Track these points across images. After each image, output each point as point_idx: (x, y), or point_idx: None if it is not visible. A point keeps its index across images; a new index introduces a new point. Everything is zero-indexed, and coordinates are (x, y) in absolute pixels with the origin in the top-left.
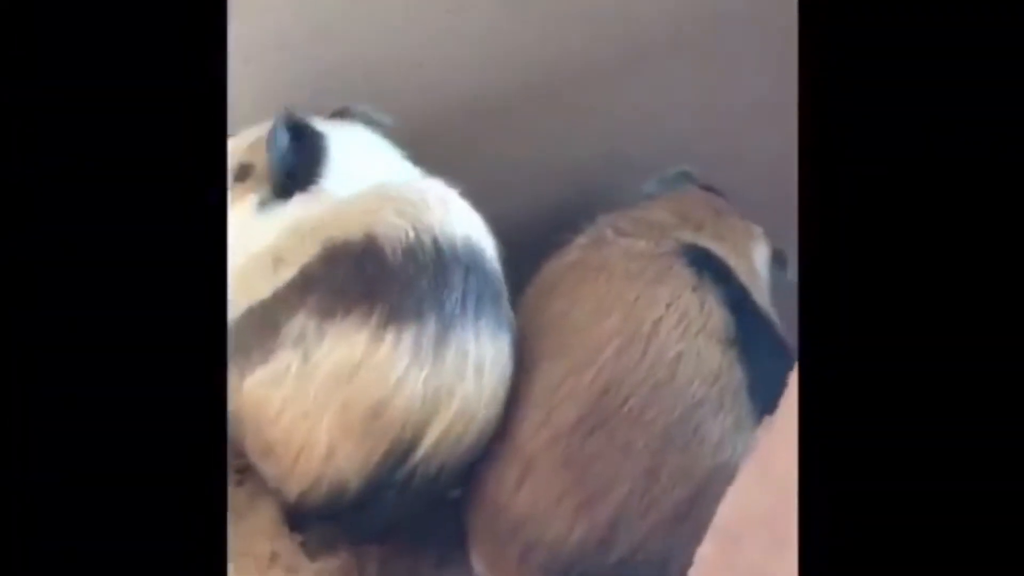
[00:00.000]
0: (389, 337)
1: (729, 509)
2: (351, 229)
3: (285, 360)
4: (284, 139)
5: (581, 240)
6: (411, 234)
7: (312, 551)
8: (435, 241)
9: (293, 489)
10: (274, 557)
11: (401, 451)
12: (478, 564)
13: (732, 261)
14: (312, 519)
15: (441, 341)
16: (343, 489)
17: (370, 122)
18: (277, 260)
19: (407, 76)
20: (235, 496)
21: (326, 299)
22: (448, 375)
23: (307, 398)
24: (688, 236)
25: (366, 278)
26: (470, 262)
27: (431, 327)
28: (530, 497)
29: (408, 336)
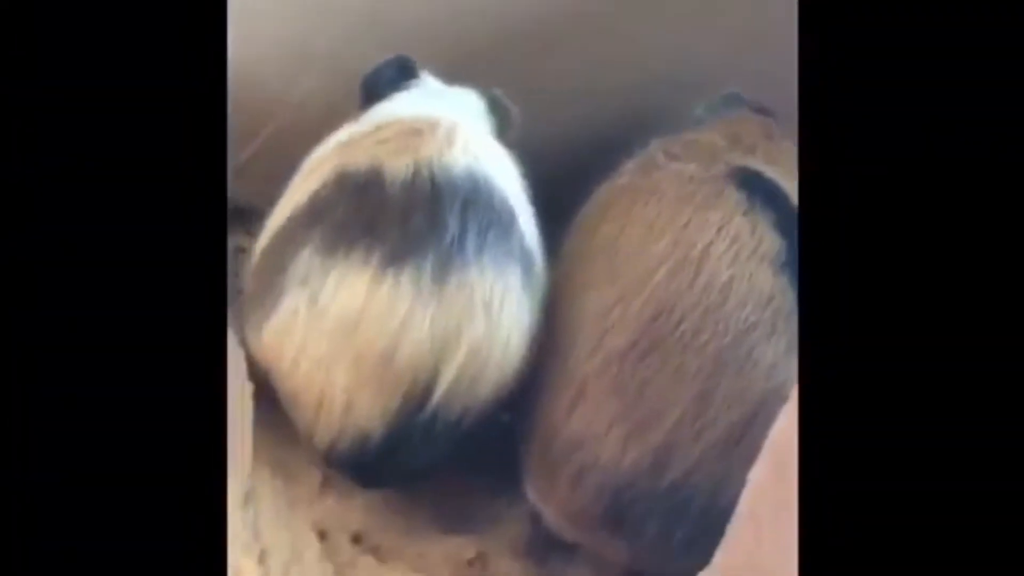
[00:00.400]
0: (389, 279)
1: (782, 431)
2: (360, 158)
3: (293, 303)
4: (388, 70)
5: (631, 164)
6: (410, 168)
7: None
8: (432, 175)
9: (323, 439)
10: (326, 482)
11: (417, 397)
12: (531, 490)
13: (784, 184)
14: (345, 467)
15: (440, 279)
16: (366, 439)
17: (495, 104)
18: (306, 175)
19: (454, 4)
20: (288, 423)
21: (329, 233)
22: (454, 315)
23: (319, 346)
24: (739, 159)
25: (367, 212)
26: (469, 194)
27: (428, 266)
28: (582, 421)
29: (407, 277)
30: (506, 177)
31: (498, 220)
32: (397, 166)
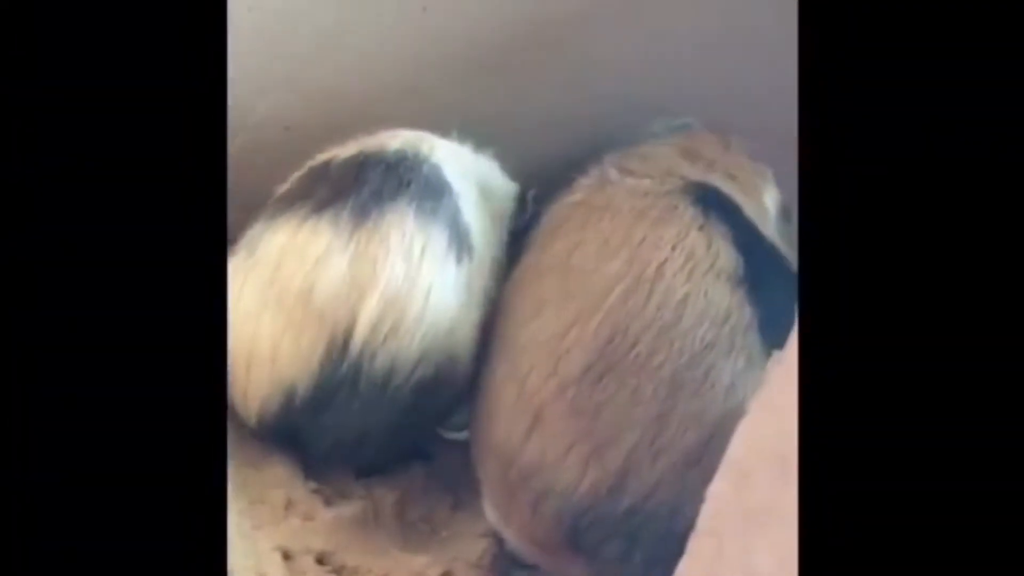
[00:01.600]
0: (310, 223)
1: (740, 445)
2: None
3: (234, 266)
4: None
5: (585, 180)
6: (355, 151)
7: (327, 498)
8: (367, 154)
9: (252, 408)
10: (289, 505)
11: (338, 342)
12: (490, 513)
13: (741, 198)
14: (276, 431)
15: (358, 221)
16: (292, 392)
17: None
18: None
19: (411, 21)
20: (250, 447)
21: (276, 206)
22: (370, 253)
23: (250, 299)
24: (695, 174)
25: (310, 185)
26: (395, 161)
27: (347, 210)
28: (540, 447)
29: (326, 220)
30: (452, 166)
31: (424, 181)
32: (346, 152)
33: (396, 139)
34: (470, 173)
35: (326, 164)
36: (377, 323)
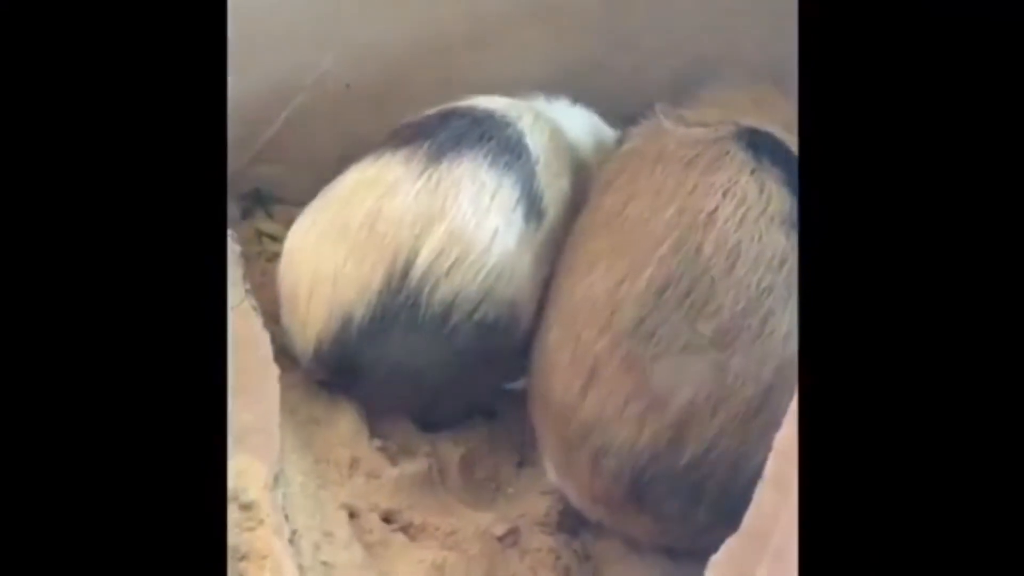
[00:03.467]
0: (385, 157)
1: None
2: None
3: (312, 204)
4: None
5: (637, 130)
6: (448, 106)
7: (392, 456)
8: (457, 107)
9: (310, 338)
10: (354, 463)
11: (399, 268)
12: (551, 470)
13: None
14: (332, 360)
15: (433, 160)
16: (350, 317)
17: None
18: None
19: None
20: (315, 404)
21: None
22: (440, 192)
23: (319, 226)
24: (751, 122)
25: (399, 133)
26: (479, 116)
27: (424, 148)
28: (597, 403)
29: (401, 155)
30: (537, 136)
31: (505, 141)
32: (439, 108)
33: (490, 101)
34: (561, 145)
35: (420, 116)
36: (440, 254)
